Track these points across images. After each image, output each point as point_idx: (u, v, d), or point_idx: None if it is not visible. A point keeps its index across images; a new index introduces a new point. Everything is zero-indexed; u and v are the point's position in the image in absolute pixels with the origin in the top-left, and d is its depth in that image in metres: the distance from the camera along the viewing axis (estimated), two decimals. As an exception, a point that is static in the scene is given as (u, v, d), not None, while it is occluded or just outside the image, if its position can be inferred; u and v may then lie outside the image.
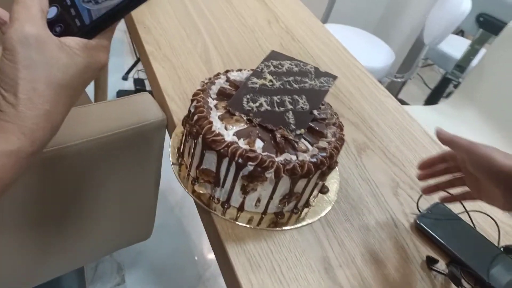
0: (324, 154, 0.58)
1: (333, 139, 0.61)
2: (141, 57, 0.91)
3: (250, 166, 0.54)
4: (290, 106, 0.62)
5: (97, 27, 0.42)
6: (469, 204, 0.71)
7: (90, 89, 1.80)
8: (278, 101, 0.63)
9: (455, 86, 2.20)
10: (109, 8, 0.41)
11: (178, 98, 0.78)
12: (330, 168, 0.59)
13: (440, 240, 0.63)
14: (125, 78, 2.34)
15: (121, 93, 2.18)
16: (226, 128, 0.58)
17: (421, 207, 0.69)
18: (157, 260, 1.50)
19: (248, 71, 0.70)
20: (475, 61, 1.85)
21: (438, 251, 0.63)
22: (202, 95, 0.62)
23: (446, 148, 0.59)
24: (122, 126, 0.72)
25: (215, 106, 0.62)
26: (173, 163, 0.65)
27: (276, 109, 0.62)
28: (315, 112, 0.64)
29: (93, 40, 0.41)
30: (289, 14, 1.18)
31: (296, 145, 0.58)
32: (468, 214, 0.69)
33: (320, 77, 0.68)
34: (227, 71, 0.69)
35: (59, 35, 0.40)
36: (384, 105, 0.93)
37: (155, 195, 0.92)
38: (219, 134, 0.56)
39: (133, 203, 0.90)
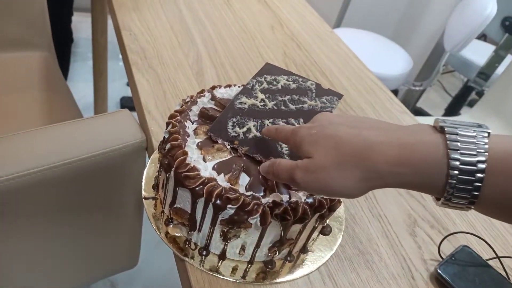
0: (323, 193, 0.47)
1: (336, 173, 0.50)
2: (125, 66, 0.81)
3: (230, 209, 0.44)
4: (284, 132, 0.52)
5: None
6: (501, 249, 0.60)
7: (89, 98, 1.72)
8: (270, 125, 0.52)
9: (478, 94, 2.06)
10: None
11: (161, 117, 0.68)
12: (331, 210, 0.48)
13: (466, 296, 0.52)
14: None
15: (124, 100, 2.10)
16: (204, 160, 0.48)
17: (444, 251, 0.57)
18: (152, 279, 1.40)
19: (239, 86, 0.60)
20: (500, 69, 1.71)
21: (464, 310, 0.52)
22: (179, 117, 0.52)
23: None
24: (92, 150, 0.62)
25: (194, 131, 0.51)
26: (144, 198, 0.55)
27: (267, 135, 0.51)
28: (315, 138, 0.53)
29: None
30: (295, 19, 1.07)
31: (290, 182, 0.48)
32: (500, 261, 0.58)
33: (323, 96, 0.57)
34: (213, 87, 0.59)
35: None
36: (400, 123, 0.81)
37: (138, 224, 0.82)
38: (194, 168, 0.46)
39: (112, 232, 0.80)
